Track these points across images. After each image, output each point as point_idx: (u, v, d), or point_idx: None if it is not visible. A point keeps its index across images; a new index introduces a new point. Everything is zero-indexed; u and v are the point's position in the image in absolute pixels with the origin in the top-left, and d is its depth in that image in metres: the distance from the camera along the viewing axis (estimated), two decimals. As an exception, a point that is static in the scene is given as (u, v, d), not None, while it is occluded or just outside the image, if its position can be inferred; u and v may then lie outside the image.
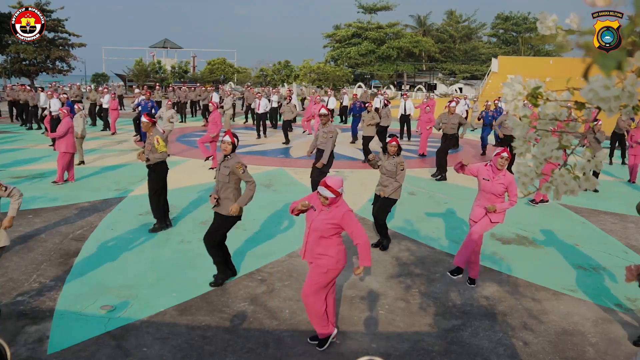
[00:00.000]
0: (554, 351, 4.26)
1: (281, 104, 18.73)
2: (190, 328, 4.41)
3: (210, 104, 11.66)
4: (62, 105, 13.11)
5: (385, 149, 6.58)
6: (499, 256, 6.46)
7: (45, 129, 14.16)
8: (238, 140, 5.36)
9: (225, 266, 5.39)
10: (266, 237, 6.85)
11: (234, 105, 22.21)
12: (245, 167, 5.21)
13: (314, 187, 8.09)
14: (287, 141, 15.71)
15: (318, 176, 8.01)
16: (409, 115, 17.30)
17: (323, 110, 8.31)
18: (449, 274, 5.76)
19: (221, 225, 5.28)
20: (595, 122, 8.45)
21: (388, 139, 6.55)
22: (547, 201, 9.23)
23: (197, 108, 23.88)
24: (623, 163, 13.79)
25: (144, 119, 7.03)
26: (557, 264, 6.29)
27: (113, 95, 17.79)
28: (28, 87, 20.61)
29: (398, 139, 6.50)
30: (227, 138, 5.20)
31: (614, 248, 6.97)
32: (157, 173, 7.00)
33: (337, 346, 4.22)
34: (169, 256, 6.11)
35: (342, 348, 4.19)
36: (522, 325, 4.68)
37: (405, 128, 17.32)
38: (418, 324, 4.66)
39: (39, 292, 4.99)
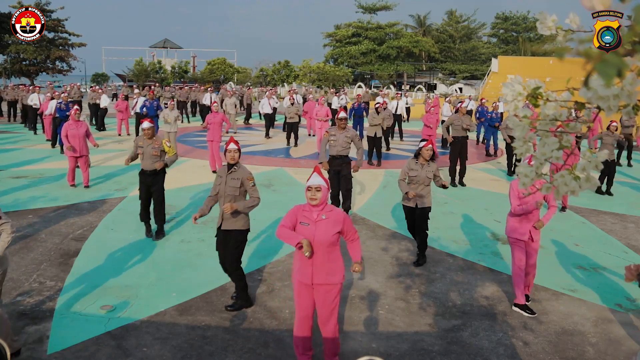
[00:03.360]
0: (554, 351, 4.26)
1: (277, 106, 18.75)
2: (190, 328, 4.41)
3: (214, 105, 11.54)
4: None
5: (417, 155, 6.08)
6: (499, 256, 6.46)
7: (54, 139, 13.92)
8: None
9: (246, 292, 4.89)
10: (266, 237, 6.85)
11: (235, 106, 22.19)
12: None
13: (335, 198, 7.83)
14: (289, 142, 15.68)
15: (347, 184, 7.77)
16: (401, 115, 17.51)
17: (343, 114, 7.88)
18: (527, 314, 4.90)
19: (241, 242, 4.78)
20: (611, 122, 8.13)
21: (422, 143, 6.09)
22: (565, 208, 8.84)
23: (196, 108, 23.90)
24: (629, 165, 13.78)
25: (147, 124, 6.73)
26: (557, 264, 6.29)
27: (122, 96, 17.71)
28: (29, 87, 20.60)
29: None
30: (233, 146, 4.78)
31: (614, 248, 6.98)
32: (162, 177, 6.82)
33: (337, 346, 4.22)
34: (169, 256, 6.11)
35: (342, 348, 4.19)
36: (522, 325, 4.68)
37: (396, 127, 17.39)
38: (418, 324, 4.66)
39: (39, 292, 5.00)
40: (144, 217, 6.85)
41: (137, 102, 15.24)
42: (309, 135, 17.67)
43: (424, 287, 5.45)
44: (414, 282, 5.59)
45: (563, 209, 8.73)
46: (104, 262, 5.82)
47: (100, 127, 17.68)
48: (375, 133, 12.34)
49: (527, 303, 4.98)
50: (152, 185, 6.75)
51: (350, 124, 17.31)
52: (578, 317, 4.88)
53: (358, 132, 15.76)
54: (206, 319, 4.58)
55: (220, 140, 10.99)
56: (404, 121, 20.10)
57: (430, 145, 6.03)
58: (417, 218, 6.13)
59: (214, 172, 11.03)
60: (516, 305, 4.96)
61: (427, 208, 6.18)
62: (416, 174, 6.05)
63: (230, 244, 4.75)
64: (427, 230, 6.17)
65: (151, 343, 4.15)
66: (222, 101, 18.96)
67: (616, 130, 10.57)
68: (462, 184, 10.53)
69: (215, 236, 4.87)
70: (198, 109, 21.96)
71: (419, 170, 6.05)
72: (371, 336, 4.41)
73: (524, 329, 4.61)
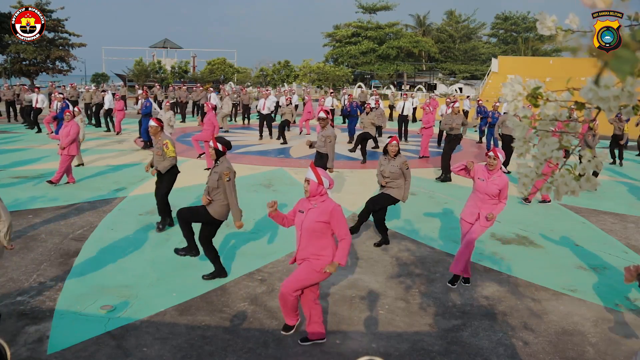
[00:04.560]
0: (554, 351, 4.26)
1: (279, 104, 18.78)
2: (190, 328, 4.41)
3: (205, 105, 11.64)
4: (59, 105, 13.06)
5: (385, 151, 6.57)
6: (499, 256, 6.46)
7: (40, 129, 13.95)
8: (228, 146, 5.36)
9: (219, 263, 5.45)
10: (266, 237, 6.85)
11: (235, 105, 22.16)
12: (233, 175, 5.25)
13: None
14: (285, 141, 15.67)
15: None
16: (407, 115, 17.49)
17: (322, 114, 8.24)
18: (449, 284, 5.49)
19: (210, 224, 5.34)
20: (593, 122, 8.49)
21: (388, 139, 6.58)
22: (549, 201, 9.22)
23: (197, 108, 23.89)
24: (620, 164, 13.80)
25: (152, 123, 6.91)
26: (557, 264, 6.29)
27: (117, 96, 17.66)
28: (26, 87, 20.58)
29: (398, 139, 6.63)
30: (210, 144, 5.28)
31: (614, 248, 6.97)
32: (169, 176, 6.96)
33: (337, 346, 4.22)
34: (169, 256, 6.10)
35: (342, 348, 4.19)
36: (522, 325, 4.68)
37: (403, 129, 17.41)
38: (418, 324, 4.66)
39: (39, 292, 4.99)
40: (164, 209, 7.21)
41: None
42: (300, 134, 17.79)
43: (424, 287, 5.45)
44: (414, 282, 5.59)
45: (543, 201, 9.12)
46: (104, 262, 5.82)
47: (108, 127, 17.69)
48: (369, 131, 12.80)
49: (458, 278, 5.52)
50: (158, 179, 7.03)
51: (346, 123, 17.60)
52: (578, 317, 4.88)
53: (353, 132, 15.99)
54: (206, 319, 4.58)
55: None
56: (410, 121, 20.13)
57: (395, 142, 6.53)
58: (379, 198, 6.61)
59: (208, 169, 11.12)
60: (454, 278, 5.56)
61: (392, 197, 6.54)
62: (382, 168, 6.55)
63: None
64: (383, 214, 6.63)
65: (151, 343, 4.15)
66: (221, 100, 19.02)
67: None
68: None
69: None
70: (200, 110, 21.96)
71: (385, 164, 6.53)
72: (371, 336, 4.41)
73: (524, 329, 4.61)
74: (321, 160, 8.30)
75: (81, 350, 4.00)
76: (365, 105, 13.44)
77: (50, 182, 9.27)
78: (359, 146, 12.92)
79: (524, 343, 4.37)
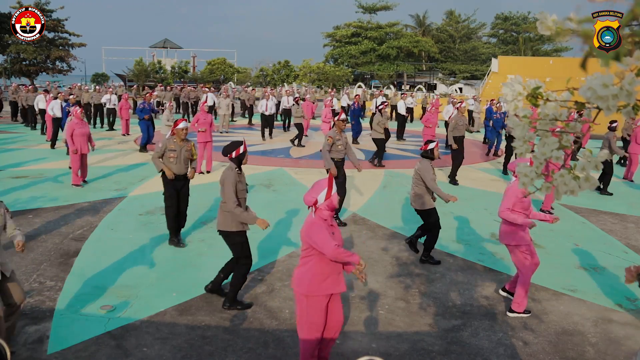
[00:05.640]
0: (554, 351, 4.26)
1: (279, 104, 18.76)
2: (190, 328, 4.41)
3: (203, 105, 11.54)
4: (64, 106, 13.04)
5: (432, 156, 6.16)
6: (499, 256, 6.46)
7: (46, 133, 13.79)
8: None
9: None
10: (266, 237, 6.85)
11: (232, 107, 22.17)
12: None
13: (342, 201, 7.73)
14: (297, 145, 15.42)
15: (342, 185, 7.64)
16: (405, 115, 17.57)
17: (343, 116, 7.62)
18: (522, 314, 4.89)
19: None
20: (614, 123, 8.21)
21: (433, 144, 6.16)
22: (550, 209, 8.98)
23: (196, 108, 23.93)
24: (621, 164, 13.82)
25: (186, 124, 6.31)
26: (557, 264, 6.29)
27: (126, 97, 17.57)
28: (29, 87, 20.60)
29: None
30: (240, 149, 4.76)
31: (614, 248, 6.98)
32: (189, 180, 6.52)
33: (337, 346, 4.22)
34: (169, 256, 6.10)
35: (342, 348, 4.19)
36: (522, 325, 4.68)
37: (401, 128, 17.42)
38: (418, 324, 4.66)
39: (39, 292, 4.99)
40: (173, 223, 6.40)
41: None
42: (304, 135, 17.64)
43: (424, 287, 5.45)
44: (414, 282, 5.59)
45: (549, 211, 8.79)
46: (104, 262, 5.82)
47: (111, 127, 17.73)
48: (385, 134, 12.26)
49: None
50: (181, 188, 6.40)
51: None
52: (578, 317, 4.88)
53: (358, 132, 15.93)
54: (206, 319, 4.58)
55: (212, 141, 10.97)
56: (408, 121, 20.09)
57: (438, 145, 6.26)
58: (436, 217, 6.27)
59: (201, 173, 10.66)
60: (522, 311, 4.85)
61: None
62: (435, 175, 6.16)
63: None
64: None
65: (151, 343, 4.15)
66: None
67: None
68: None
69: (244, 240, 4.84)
70: (193, 109, 22.02)
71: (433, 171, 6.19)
72: (371, 336, 4.41)
73: (524, 329, 4.61)
74: (342, 168, 7.53)
75: (81, 350, 4.00)
76: (382, 107, 12.76)
77: (84, 181, 9.59)
78: (377, 153, 12.45)
79: (524, 343, 4.37)
